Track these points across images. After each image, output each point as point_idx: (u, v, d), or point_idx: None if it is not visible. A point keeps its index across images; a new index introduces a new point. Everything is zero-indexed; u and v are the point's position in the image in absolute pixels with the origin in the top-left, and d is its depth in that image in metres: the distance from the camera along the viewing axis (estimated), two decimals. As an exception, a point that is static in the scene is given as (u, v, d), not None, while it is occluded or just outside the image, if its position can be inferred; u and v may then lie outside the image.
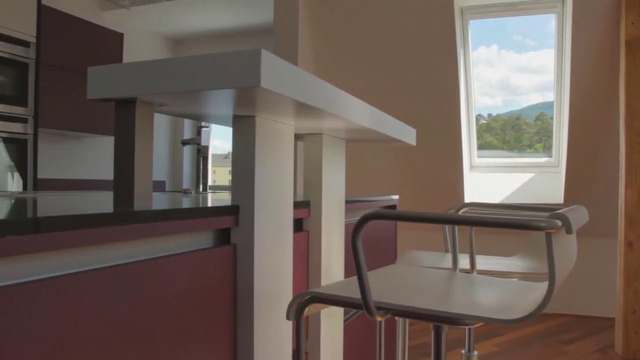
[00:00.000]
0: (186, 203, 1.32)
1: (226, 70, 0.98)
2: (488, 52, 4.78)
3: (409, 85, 4.35)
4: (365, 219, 1.04)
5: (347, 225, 2.03)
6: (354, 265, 1.07)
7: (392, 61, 4.35)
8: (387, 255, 2.65)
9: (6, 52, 3.83)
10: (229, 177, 6.69)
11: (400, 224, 3.79)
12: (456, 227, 1.78)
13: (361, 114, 1.49)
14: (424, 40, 4.17)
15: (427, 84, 4.28)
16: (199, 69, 1.01)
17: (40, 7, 4.11)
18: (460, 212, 1.90)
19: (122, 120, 1.18)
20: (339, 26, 4.45)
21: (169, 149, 6.26)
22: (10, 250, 0.74)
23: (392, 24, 4.23)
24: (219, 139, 6.52)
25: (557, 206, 1.32)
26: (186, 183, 6.33)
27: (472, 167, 4.64)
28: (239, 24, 5.68)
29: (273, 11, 4.64)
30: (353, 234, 1.05)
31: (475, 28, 4.43)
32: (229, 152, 6.47)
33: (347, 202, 2.01)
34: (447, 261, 2.11)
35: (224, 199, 1.73)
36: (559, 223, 0.99)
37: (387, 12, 4.21)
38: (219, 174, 6.64)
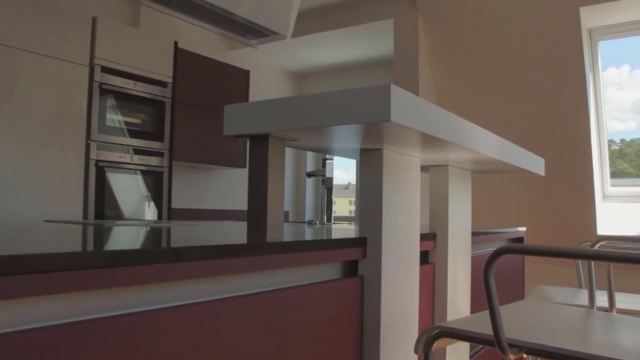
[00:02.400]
0: (315, 235, 1.35)
1: (356, 105, 1.01)
2: (618, 73, 4.49)
3: (534, 111, 4.19)
4: (498, 253, 1.01)
5: (473, 258, 1.98)
6: (485, 299, 1.05)
7: (516, 87, 4.22)
8: (514, 289, 2.54)
9: (147, 93, 4.17)
10: (349, 208, 6.77)
11: (527, 256, 3.63)
12: (592, 263, 1.68)
13: (488, 144, 1.46)
14: (550, 65, 4.02)
15: (554, 110, 4.10)
16: (330, 105, 1.04)
17: (177, 50, 4.45)
18: (596, 246, 1.79)
19: (256, 154, 1.25)
20: (460, 53, 4.41)
21: (292, 181, 6.46)
22: (157, 276, 0.80)
23: (515, 48, 4.12)
24: (339, 170, 6.63)
25: None
26: (309, 214, 6.47)
27: (604, 196, 4.36)
28: (358, 57, 5.79)
29: (393, 43, 4.69)
30: (485, 268, 1.03)
31: (604, 48, 4.20)
32: (349, 183, 6.55)
33: (473, 234, 1.96)
34: (582, 298, 1.99)
35: (349, 229, 1.76)
36: None
37: (511, 36, 4.11)
38: (338, 205, 6.74)
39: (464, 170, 1.86)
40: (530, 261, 4.31)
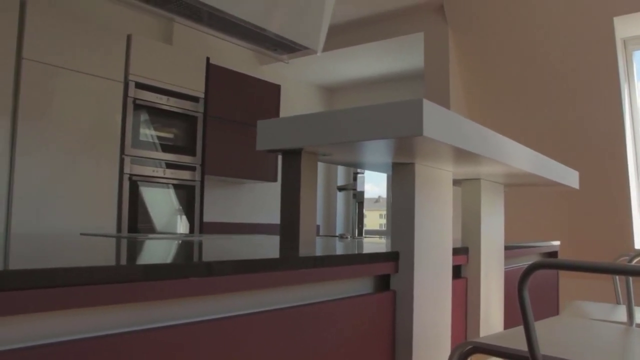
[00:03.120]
0: (347, 249, 1.35)
1: (389, 120, 1.01)
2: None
3: (568, 123, 4.13)
4: (533, 268, 1.00)
5: (506, 272, 1.95)
6: (519, 315, 1.03)
7: (549, 98, 4.17)
8: (548, 305, 2.50)
9: (179, 108, 4.24)
10: (380, 221, 6.74)
11: (561, 271, 3.56)
12: (631, 278, 1.64)
13: (521, 158, 1.45)
14: (583, 76, 3.96)
15: (588, 121, 4.03)
16: (362, 120, 1.05)
17: (209, 66, 4.52)
18: (634, 261, 1.75)
19: (288, 169, 1.26)
20: (491, 65, 4.38)
21: (323, 194, 6.47)
22: (190, 291, 0.80)
23: (548, 59, 4.07)
24: (369, 183, 6.62)
25: None
26: (339, 227, 6.46)
27: (642, 209, 4.26)
28: (389, 71, 5.79)
29: (423, 56, 4.68)
30: (519, 283, 1.02)
31: (639, 58, 4.12)
32: (379, 196, 6.53)
33: (506, 248, 1.94)
34: (620, 314, 1.94)
35: (381, 244, 1.75)
36: None
37: (543, 47, 4.07)
38: (369, 218, 6.72)
39: (497, 184, 1.84)
40: (565, 276, 4.23)
